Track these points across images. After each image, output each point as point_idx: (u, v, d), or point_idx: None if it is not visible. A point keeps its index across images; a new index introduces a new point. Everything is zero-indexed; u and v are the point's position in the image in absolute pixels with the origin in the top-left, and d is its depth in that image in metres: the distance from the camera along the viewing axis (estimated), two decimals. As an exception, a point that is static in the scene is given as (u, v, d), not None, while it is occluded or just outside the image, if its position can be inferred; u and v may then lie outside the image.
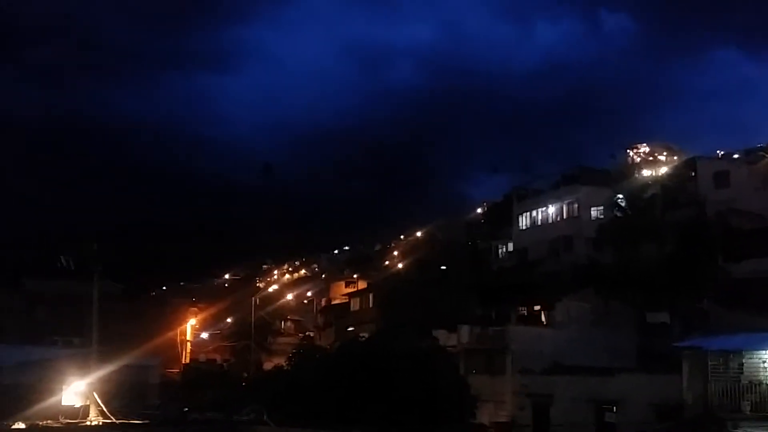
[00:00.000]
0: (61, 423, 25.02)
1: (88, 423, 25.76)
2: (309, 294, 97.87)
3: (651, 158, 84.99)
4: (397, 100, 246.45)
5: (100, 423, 25.78)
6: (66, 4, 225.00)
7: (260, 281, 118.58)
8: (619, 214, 50.39)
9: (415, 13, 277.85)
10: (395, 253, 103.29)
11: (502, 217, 74.15)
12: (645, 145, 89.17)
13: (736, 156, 67.73)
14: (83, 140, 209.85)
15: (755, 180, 52.69)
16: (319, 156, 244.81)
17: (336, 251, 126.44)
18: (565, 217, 62.41)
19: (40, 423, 24.55)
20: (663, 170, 72.98)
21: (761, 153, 62.76)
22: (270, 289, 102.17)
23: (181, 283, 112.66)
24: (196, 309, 72.49)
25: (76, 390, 28.04)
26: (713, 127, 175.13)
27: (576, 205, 61.43)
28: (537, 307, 49.44)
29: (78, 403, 27.40)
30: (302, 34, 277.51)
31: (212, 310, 74.50)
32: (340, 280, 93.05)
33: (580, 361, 39.65)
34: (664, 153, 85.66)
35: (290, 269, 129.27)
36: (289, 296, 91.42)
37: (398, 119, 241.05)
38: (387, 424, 28.46)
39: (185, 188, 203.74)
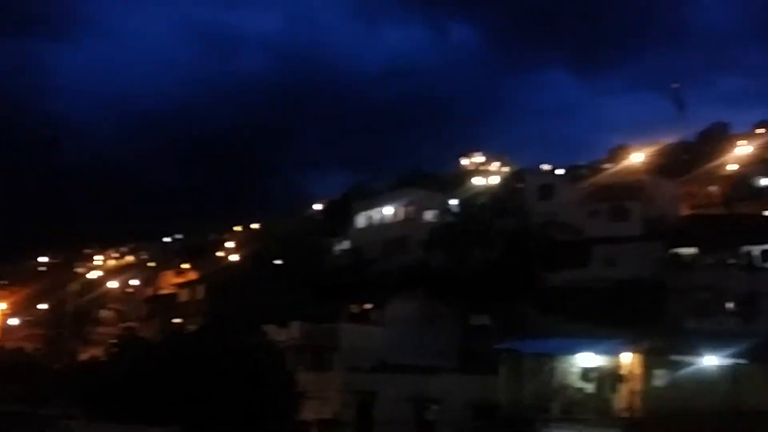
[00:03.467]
0: None
1: None
2: (135, 282, 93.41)
3: (483, 167, 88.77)
4: (243, 88, 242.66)
5: None
6: None
7: (81, 266, 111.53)
8: (451, 219, 52.08)
9: (266, 2, 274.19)
10: (230, 244, 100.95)
11: (340, 215, 74.50)
12: (479, 154, 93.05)
13: (560, 172, 72.19)
14: None
15: (576, 195, 56.26)
16: (158, 139, 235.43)
17: (167, 239, 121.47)
18: (401, 218, 63.70)
19: None
20: (494, 180, 76.45)
21: (583, 170, 67.43)
22: (91, 276, 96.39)
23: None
24: (5, 292, 67.10)
25: None
26: (541, 143, 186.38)
27: (412, 208, 62.86)
28: (368, 306, 50.02)
29: None
30: (146, 10, 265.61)
31: (25, 294, 69.29)
32: (169, 269, 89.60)
33: (406, 360, 40.45)
34: (496, 163, 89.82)
35: (116, 255, 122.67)
36: (113, 284, 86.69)
37: (243, 108, 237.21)
38: (210, 420, 27.59)
39: (7, 161, 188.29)
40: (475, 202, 55.07)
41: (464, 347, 43.45)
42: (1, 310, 63.29)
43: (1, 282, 77.41)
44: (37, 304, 71.76)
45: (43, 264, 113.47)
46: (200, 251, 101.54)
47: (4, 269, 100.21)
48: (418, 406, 37.41)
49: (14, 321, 68.53)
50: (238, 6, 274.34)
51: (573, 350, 32.87)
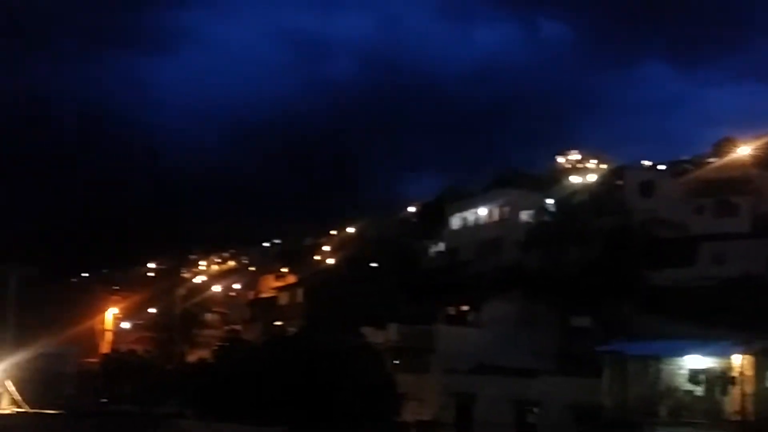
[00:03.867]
0: (-31, 412, 23.93)
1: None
2: (237, 286, 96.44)
3: (580, 165, 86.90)
4: (334, 92, 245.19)
5: (13, 412, 24.74)
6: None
7: (187, 272, 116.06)
8: (548, 219, 51.28)
9: (356, 5, 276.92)
10: (326, 248, 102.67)
11: (434, 217, 74.54)
12: (576, 152, 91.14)
13: (661, 167, 69.85)
14: (8, 119, 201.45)
15: (679, 191, 54.35)
16: (254, 145, 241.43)
17: (267, 244, 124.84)
18: (496, 219, 63.20)
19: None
20: (591, 178, 74.74)
21: (686, 165, 65.00)
22: (197, 281, 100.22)
23: (104, 271, 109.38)
24: (118, 298, 70.48)
25: (-13, 377, 26.85)
26: (641, 138, 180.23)
27: (507, 208, 62.26)
28: (464, 308, 49.85)
29: (-12, 391, 26.24)
30: (241, 20, 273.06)
31: (136, 299, 72.58)
32: (269, 273, 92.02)
33: (503, 362, 40.12)
34: (594, 161, 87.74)
35: (218, 260, 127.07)
36: (217, 288, 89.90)
37: (334, 112, 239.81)
38: (314, 420, 28.23)
39: (113, 172, 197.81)
40: (573, 201, 53.94)
41: (564, 349, 42.76)
42: (114, 314, 66.47)
43: (114, 288, 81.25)
44: (147, 308, 74.97)
45: (151, 270, 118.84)
46: (298, 255, 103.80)
47: (115, 276, 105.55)
48: (519, 408, 37.06)
49: (126, 325, 71.89)
50: (328, 12, 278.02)
51: (680, 352, 31.76)
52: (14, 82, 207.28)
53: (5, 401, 26.12)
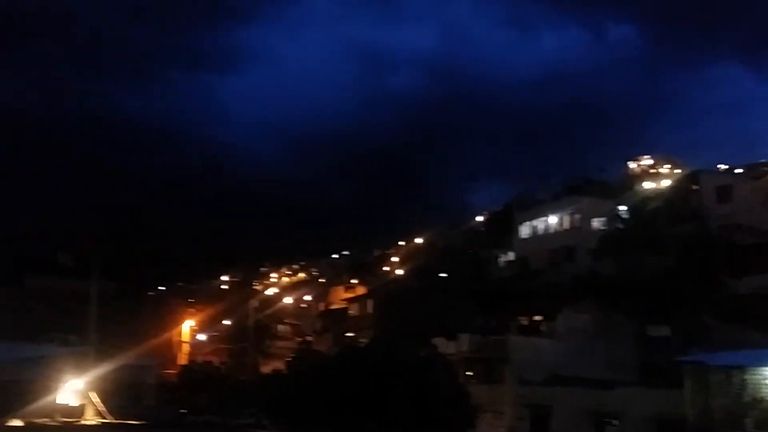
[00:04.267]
0: (58, 421, 24.80)
1: (84, 422, 25.55)
2: (307, 298, 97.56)
3: (653, 171, 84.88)
4: (399, 104, 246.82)
5: (97, 422, 25.54)
6: (68, 1, 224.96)
7: (258, 284, 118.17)
8: (621, 226, 50.29)
9: (419, 17, 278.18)
10: (395, 259, 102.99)
11: (503, 226, 73.94)
12: (647, 157, 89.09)
13: (738, 171, 67.64)
14: (84, 138, 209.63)
15: (758, 195, 52.58)
16: (320, 159, 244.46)
17: (335, 256, 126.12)
18: (566, 227, 62.30)
19: (37, 421, 24.32)
20: (665, 183, 72.87)
21: (764, 168, 62.74)
22: (268, 293, 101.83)
23: (179, 284, 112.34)
24: (193, 310, 72.15)
25: (73, 388, 27.79)
26: (715, 142, 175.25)
27: (578, 216, 61.32)
28: (537, 317, 49.20)
29: (74, 401, 27.14)
30: (305, 36, 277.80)
31: (210, 312, 74.21)
32: (339, 285, 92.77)
33: (579, 373, 39.41)
34: (667, 166, 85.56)
35: (289, 273, 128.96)
36: (288, 300, 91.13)
37: (399, 124, 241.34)
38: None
39: (185, 188, 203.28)
40: (646, 208, 52.69)
41: (642, 359, 41.76)
42: (190, 326, 68.03)
43: (189, 300, 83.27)
44: (221, 320, 76.58)
45: (224, 283, 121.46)
46: (367, 266, 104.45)
47: (190, 289, 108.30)
48: (597, 420, 36.27)
49: (202, 337, 73.52)
50: (391, 24, 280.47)
51: (766, 362, 30.55)
52: (90, 104, 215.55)
53: (90, 412, 26.98)
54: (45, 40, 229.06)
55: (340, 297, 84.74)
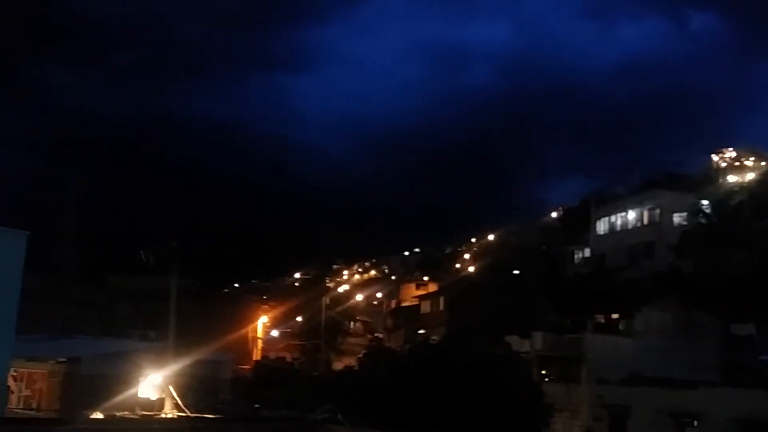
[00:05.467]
0: (138, 415, 25.39)
1: (163, 415, 26.10)
2: (379, 295, 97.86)
3: (737, 163, 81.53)
4: (472, 100, 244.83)
5: (175, 416, 26.06)
6: (149, 6, 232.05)
7: (330, 281, 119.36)
8: (703, 221, 48.68)
9: (492, 11, 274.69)
10: (467, 256, 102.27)
11: (578, 223, 72.51)
12: (731, 149, 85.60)
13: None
14: (163, 141, 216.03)
15: None
16: (393, 157, 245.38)
17: (406, 253, 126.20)
18: (646, 222, 60.65)
19: (118, 414, 24.95)
20: (750, 176, 69.95)
21: None
22: (340, 290, 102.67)
23: (253, 281, 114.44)
24: (267, 307, 73.29)
25: (153, 383, 28.43)
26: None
27: (658, 211, 59.56)
28: (615, 316, 48.06)
29: (154, 395, 27.76)
30: (377, 34, 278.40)
31: (283, 309, 75.22)
32: (410, 282, 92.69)
33: (659, 373, 38.40)
34: (752, 158, 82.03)
35: (360, 270, 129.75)
36: (359, 297, 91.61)
37: (472, 120, 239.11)
38: (458, 430, 27.90)
39: (260, 188, 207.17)
40: (730, 202, 50.72)
41: (725, 359, 40.30)
42: (264, 323, 69.11)
43: (263, 297, 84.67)
44: (294, 317, 77.56)
45: (297, 280, 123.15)
46: (438, 263, 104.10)
47: (265, 287, 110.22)
48: (678, 421, 35.13)
49: (275, 333, 74.63)
50: (464, 20, 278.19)
51: None
52: (168, 107, 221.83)
53: (168, 405, 27.54)
54: (124, 45, 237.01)
55: (411, 294, 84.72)
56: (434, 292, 74.45)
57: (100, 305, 55.78)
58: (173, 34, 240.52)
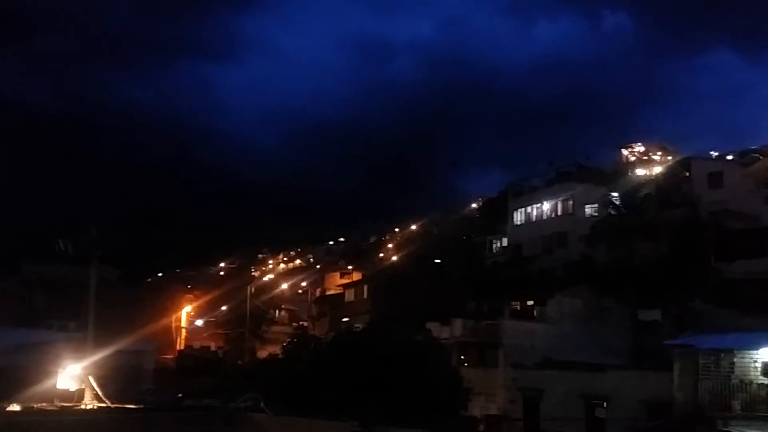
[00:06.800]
0: (56, 406, 25.15)
1: (83, 406, 25.93)
2: (303, 284, 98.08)
3: (645, 158, 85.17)
4: (396, 93, 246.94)
5: (95, 407, 25.93)
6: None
7: (255, 270, 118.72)
8: (613, 213, 50.80)
9: (417, 8, 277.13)
10: (390, 245, 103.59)
11: (497, 213, 74.41)
12: (640, 144, 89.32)
13: (729, 157, 68.04)
14: (86, 127, 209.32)
15: (748, 182, 52.99)
16: (317, 147, 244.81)
17: (331, 242, 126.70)
18: (559, 213, 62.73)
19: (35, 405, 24.68)
20: (657, 170, 73.31)
21: (755, 155, 63.19)
22: (265, 279, 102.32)
23: (177, 270, 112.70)
24: (191, 296, 72.52)
25: (72, 374, 28.11)
26: (708, 129, 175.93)
27: (571, 202, 61.73)
28: (530, 302, 49.75)
29: (73, 386, 27.49)
30: (304, 25, 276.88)
31: (207, 298, 74.49)
32: (334, 271, 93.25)
33: (571, 357, 39.96)
34: (659, 153, 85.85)
35: (285, 259, 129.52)
36: (284, 286, 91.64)
37: (396, 113, 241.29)
38: (381, 415, 28.65)
39: (183, 176, 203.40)
40: (639, 194, 53.15)
41: (633, 344, 42.34)
42: (188, 312, 68.40)
43: (187, 287, 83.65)
44: (219, 306, 76.98)
45: (222, 269, 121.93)
46: (363, 253, 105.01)
47: (188, 276, 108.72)
48: (588, 403, 36.83)
49: (199, 322, 73.95)
50: (390, 15, 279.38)
51: (754, 345, 31.11)
52: (93, 93, 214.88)
53: (88, 396, 27.30)
54: (51, 33, 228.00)
55: (336, 283, 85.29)
56: (358, 281, 75.19)
57: (16, 295, 54.19)
58: (99, 21, 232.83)
